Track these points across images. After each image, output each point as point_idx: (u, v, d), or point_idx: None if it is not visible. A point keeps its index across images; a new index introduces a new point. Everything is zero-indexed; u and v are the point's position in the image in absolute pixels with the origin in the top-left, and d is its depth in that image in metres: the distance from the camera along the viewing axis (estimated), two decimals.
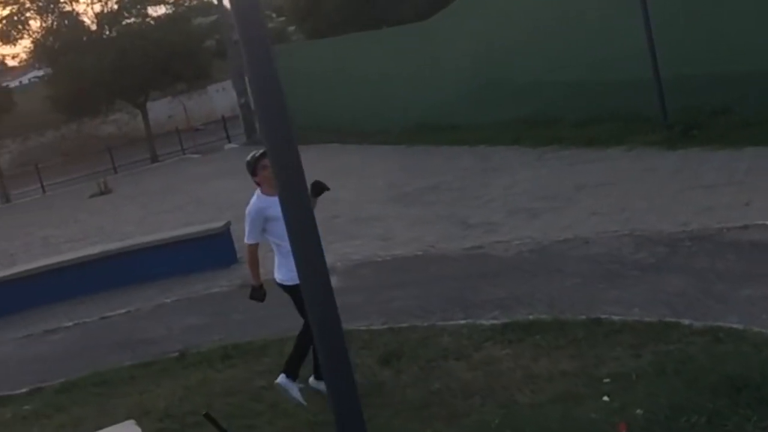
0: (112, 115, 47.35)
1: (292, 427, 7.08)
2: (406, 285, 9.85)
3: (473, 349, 7.73)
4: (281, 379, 7.39)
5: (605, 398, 6.25)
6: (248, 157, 7.40)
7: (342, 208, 15.87)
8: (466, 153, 18.18)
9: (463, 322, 8.44)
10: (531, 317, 8.08)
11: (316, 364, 7.37)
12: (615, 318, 7.61)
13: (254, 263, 7.54)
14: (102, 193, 28.48)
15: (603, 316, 7.67)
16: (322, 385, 7.16)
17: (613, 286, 8.49)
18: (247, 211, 7.35)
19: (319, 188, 7.41)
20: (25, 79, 63.81)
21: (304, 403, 7.33)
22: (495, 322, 8.25)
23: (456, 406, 6.75)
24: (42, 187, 35.72)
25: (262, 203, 7.24)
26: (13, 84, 55.77)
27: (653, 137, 14.50)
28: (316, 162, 23.66)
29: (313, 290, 4.37)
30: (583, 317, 7.75)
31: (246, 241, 7.44)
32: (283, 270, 7.27)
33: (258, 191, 7.36)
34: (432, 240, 11.76)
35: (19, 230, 23.95)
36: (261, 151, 7.05)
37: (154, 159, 37.46)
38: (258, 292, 7.72)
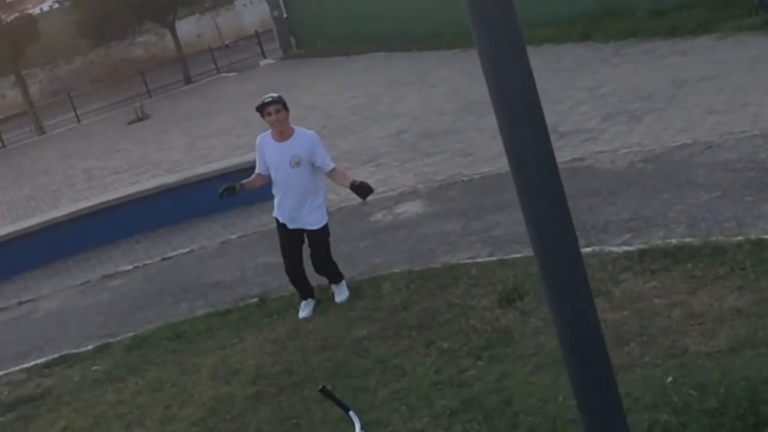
0: (140, 37, 45.94)
1: (410, 388, 6.03)
2: (505, 208, 8.67)
3: (611, 283, 6.60)
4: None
5: None
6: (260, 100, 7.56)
7: (406, 122, 14.68)
8: (531, 54, 16.50)
9: (588, 250, 7.28)
10: (673, 241, 6.92)
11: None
12: None
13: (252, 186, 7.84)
14: (139, 119, 27.38)
15: (765, 236, 6.49)
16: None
17: (762, 199, 7.27)
18: None
19: (367, 191, 7.38)
20: (45, 6, 62.26)
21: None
22: (628, 248, 7.11)
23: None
24: (76, 116, 34.66)
25: (261, 140, 7.65)
26: (35, 11, 54.34)
27: (749, 21, 13.04)
28: (364, 75, 22.40)
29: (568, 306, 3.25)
30: (740, 239, 6.58)
31: None
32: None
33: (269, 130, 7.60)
34: None
35: (59, 163, 23.01)
36: (269, 98, 7.40)
37: (188, 80, 36.18)
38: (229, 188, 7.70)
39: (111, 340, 8.69)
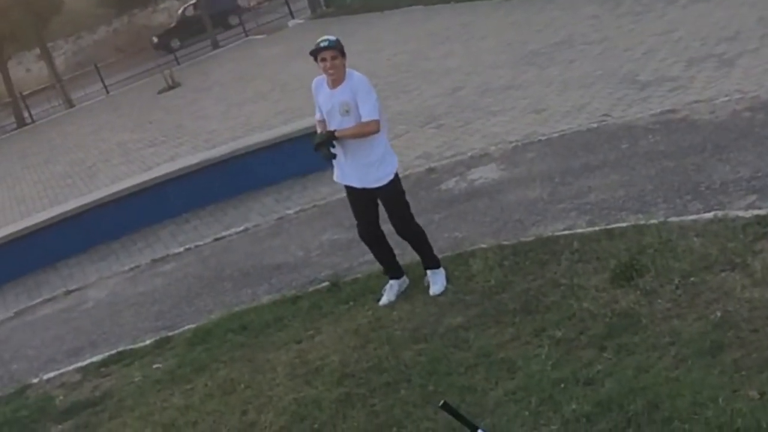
0: (162, 3, 45.16)
1: (527, 388, 5.22)
2: (597, 169, 7.82)
3: (747, 254, 5.74)
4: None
5: None
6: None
7: (459, 78, 13.77)
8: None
9: (708, 215, 6.43)
10: None
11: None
12: None
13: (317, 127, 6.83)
14: (170, 88, 26.63)
15: None
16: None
17: None
18: None
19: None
20: None
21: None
22: (759, 212, 6.23)
23: (765, 342, 4.81)
24: (105, 87, 33.98)
25: (316, 84, 6.73)
26: None
27: None
28: (404, 29, 21.40)
29: None
30: None
31: None
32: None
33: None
34: (603, 107, 9.62)
35: (91, 137, 22.34)
36: (324, 41, 6.48)
37: (215, 45, 35.35)
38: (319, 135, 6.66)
39: (170, 334, 7.96)
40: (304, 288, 7.86)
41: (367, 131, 6.46)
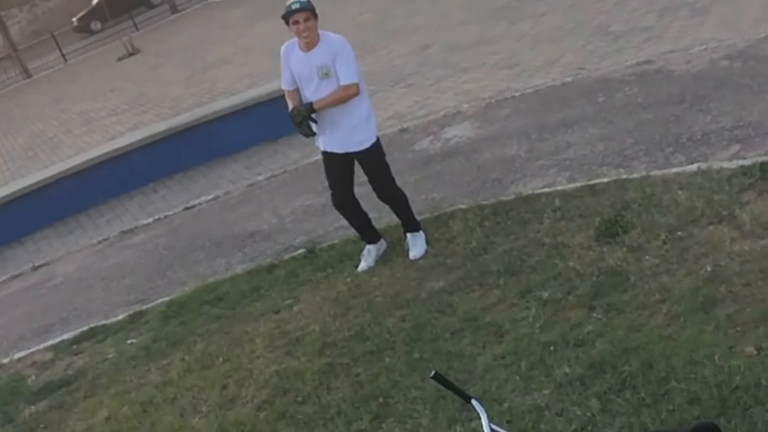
0: None
1: (516, 352, 5.08)
2: (574, 124, 7.66)
3: (734, 206, 5.62)
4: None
5: None
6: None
7: (428, 36, 13.52)
8: None
9: (692, 167, 6.30)
10: None
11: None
12: None
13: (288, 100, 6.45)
14: (130, 54, 26.08)
15: None
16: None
17: None
18: None
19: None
20: None
21: None
22: (742, 162, 6.11)
23: (758, 296, 4.69)
24: (62, 55, 33.24)
25: (286, 50, 6.40)
26: None
27: None
28: None
29: None
30: None
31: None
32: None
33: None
34: (576, 60, 9.44)
35: (52, 107, 21.85)
36: (296, 3, 6.12)
37: (174, 9, 34.68)
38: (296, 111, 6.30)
39: (143, 307, 7.75)
40: (280, 256, 7.67)
41: (347, 96, 6.23)
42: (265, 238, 8.26)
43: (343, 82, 6.19)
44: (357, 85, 6.22)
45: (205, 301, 7.32)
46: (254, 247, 8.15)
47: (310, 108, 6.22)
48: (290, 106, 6.36)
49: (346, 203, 6.62)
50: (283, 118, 6.56)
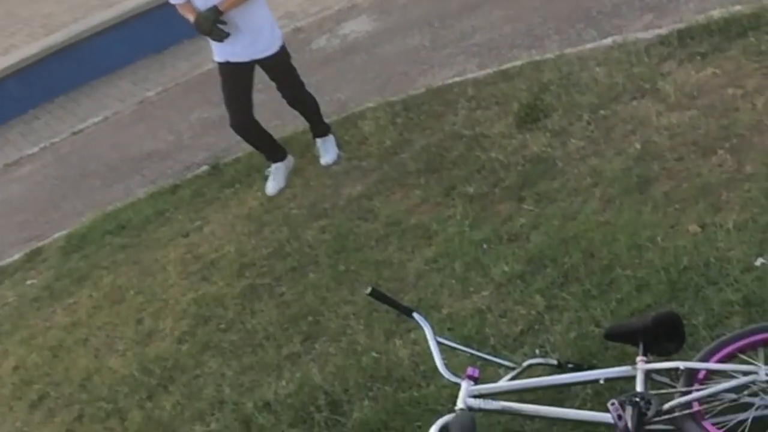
0: None
1: (448, 254, 4.82)
2: (477, 8, 7.31)
3: (655, 78, 5.39)
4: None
5: None
6: None
7: None
8: None
9: (606, 41, 6.05)
10: (715, 13, 5.68)
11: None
12: None
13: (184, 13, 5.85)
14: None
15: None
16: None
17: None
18: None
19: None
20: None
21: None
22: (658, 31, 5.87)
23: (693, 170, 4.50)
24: None
25: None
26: None
27: None
28: None
29: None
30: None
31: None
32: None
33: None
34: None
35: None
36: None
37: None
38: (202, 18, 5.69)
39: (40, 244, 7.25)
40: (182, 175, 7.23)
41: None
42: (163, 157, 7.76)
43: None
44: None
45: (107, 230, 6.86)
46: (153, 168, 7.66)
47: (216, 11, 5.62)
48: (191, 19, 5.77)
49: (246, 124, 6.06)
50: (166, 28, 6.01)
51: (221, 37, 5.71)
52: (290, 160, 6.34)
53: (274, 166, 6.28)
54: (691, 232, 4.10)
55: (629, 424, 2.83)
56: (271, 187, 6.21)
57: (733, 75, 5.08)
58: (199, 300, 5.45)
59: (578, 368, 3.44)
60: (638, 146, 4.87)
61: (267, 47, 5.85)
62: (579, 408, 3.38)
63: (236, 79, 5.91)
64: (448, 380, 3.36)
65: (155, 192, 7.09)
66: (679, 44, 5.57)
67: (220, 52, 5.89)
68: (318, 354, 4.51)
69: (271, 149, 6.28)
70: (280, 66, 5.97)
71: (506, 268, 4.41)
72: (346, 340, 4.50)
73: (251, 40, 5.77)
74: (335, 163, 6.21)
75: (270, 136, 6.27)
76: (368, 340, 4.41)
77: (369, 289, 3.58)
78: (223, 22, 5.66)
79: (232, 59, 5.85)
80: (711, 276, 3.76)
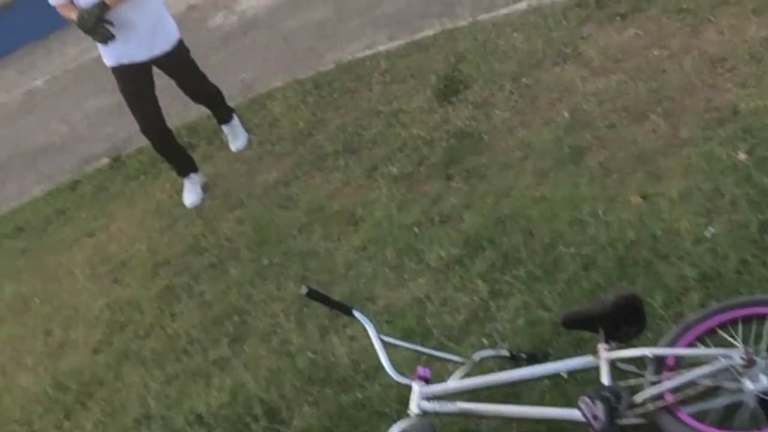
0: None
1: (377, 240, 4.57)
2: None
3: (576, 42, 5.23)
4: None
5: None
6: None
7: None
8: None
9: (521, 6, 5.89)
10: None
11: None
12: None
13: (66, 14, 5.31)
14: None
15: None
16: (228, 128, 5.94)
17: None
18: None
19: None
20: None
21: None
22: None
23: (627, 137, 4.35)
24: None
25: None
26: None
27: None
28: None
29: None
30: None
31: None
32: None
33: None
34: None
35: None
36: None
37: None
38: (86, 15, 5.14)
39: None
40: (81, 169, 6.81)
41: None
42: (59, 151, 7.30)
43: None
44: None
45: (4, 234, 6.45)
46: (48, 163, 7.20)
47: (102, 6, 5.08)
48: (74, 18, 5.27)
49: (160, 127, 5.52)
50: (50, 10, 5.48)
51: (104, 38, 5.19)
52: (202, 179, 5.83)
53: (189, 177, 5.75)
54: (634, 203, 3.93)
55: (604, 422, 2.64)
56: (193, 199, 5.69)
57: (656, 35, 4.94)
58: (112, 305, 5.10)
59: (532, 358, 3.25)
60: (566, 114, 4.69)
61: (166, 42, 5.37)
62: (538, 402, 3.18)
63: (137, 80, 5.40)
64: (398, 382, 3.12)
65: (53, 189, 6.67)
66: (597, 5, 5.42)
67: (111, 54, 5.36)
68: (248, 357, 4.22)
69: (184, 160, 5.76)
70: (180, 60, 5.49)
71: (442, 253, 4.18)
72: (277, 339, 4.23)
73: (149, 36, 5.27)
74: (246, 148, 5.89)
75: (182, 147, 5.82)
76: (301, 338, 4.15)
77: (305, 290, 3.30)
78: (110, 22, 5.17)
79: (126, 60, 5.34)
80: (660, 250, 3.59)
